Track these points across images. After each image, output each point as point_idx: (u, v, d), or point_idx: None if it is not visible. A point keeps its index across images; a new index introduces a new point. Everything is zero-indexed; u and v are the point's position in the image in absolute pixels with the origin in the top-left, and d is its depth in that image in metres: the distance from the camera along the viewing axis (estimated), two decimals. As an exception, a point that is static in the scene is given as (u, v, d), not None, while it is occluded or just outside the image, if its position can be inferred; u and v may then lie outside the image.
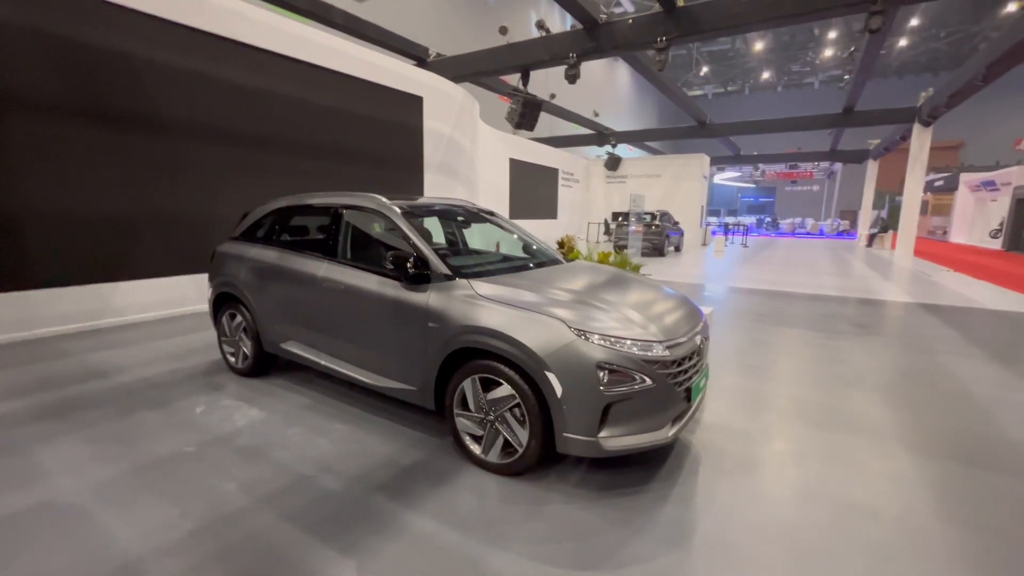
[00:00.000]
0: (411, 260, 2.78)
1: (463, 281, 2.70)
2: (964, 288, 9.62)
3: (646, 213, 15.05)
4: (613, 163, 20.44)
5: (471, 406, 2.56)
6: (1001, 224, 19.56)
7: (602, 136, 20.25)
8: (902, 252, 15.72)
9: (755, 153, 27.69)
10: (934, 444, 3.00)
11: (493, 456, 2.52)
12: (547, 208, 18.19)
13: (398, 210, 3.12)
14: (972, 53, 29.96)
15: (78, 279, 5.17)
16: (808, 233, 31.38)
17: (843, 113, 15.95)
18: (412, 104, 9.06)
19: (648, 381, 2.26)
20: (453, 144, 10.14)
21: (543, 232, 16.99)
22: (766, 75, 38.05)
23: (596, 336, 2.26)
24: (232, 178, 6.37)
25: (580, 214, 20.63)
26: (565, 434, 2.27)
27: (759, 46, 33.24)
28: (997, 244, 19.54)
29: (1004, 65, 9.54)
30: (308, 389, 3.66)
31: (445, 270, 2.77)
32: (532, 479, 2.49)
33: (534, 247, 3.82)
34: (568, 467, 2.61)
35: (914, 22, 28.88)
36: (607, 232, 20.01)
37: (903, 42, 31.31)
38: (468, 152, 10.80)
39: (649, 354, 2.28)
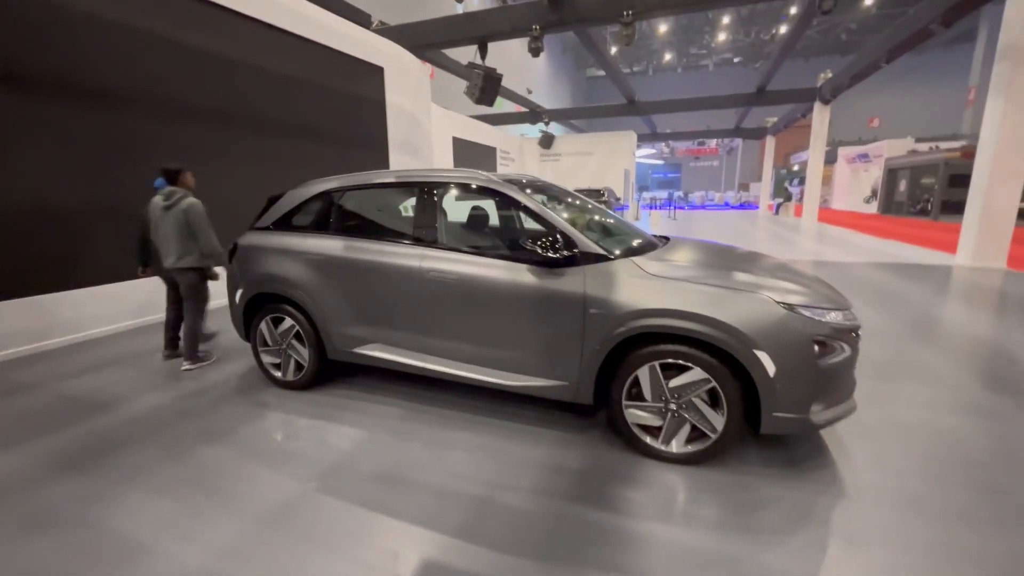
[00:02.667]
0: (554, 241, 2.48)
1: (625, 260, 2.46)
2: (884, 247, 11.01)
3: (594, 189, 15.34)
4: (547, 141, 20.52)
5: (647, 395, 2.36)
6: (874, 191, 22.71)
7: (535, 114, 20.20)
8: (808, 219, 17.67)
9: (668, 131, 29.33)
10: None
11: (675, 446, 2.36)
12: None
13: (517, 186, 2.77)
14: (855, 38, 34.06)
15: (11, 291, 4.04)
16: (716, 205, 34.15)
17: (756, 93, 17.32)
18: (373, 75, 8.24)
19: (847, 350, 2.22)
20: (414, 121, 9.45)
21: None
22: (668, 57, 40.31)
23: (804, 309, 2.17)
24: (193, 159, 5.33)
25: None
26: (776, 414, 2.17)
27: (663, 29, 35.00)
28: (871, 208, 22.69)
29: (904, 48, 10.89)
30: (382, 396, 3.20)
31: (597, 249, 2.51)
32: (712, 465, 2.37)
33: (614, 223, 3.62)
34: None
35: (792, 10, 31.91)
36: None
37: (782, 29, 34.63)
38: (426, 129, 10.14)
39: (846, 322, 2.24)
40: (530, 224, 2.91)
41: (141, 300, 4.96)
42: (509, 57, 25.13)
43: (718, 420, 2.26)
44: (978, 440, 2.59)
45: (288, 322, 3.22)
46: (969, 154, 17.86)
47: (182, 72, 5.21)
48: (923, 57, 32.34)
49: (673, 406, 2.33)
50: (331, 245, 3.09)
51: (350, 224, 3.20)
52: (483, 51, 10.09)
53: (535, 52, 9.57)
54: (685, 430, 2.34)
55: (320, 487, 2.23)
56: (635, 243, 2.87)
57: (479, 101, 10.27)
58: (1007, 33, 7.24)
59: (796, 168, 31.85)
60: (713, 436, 2.29)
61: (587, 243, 2.52)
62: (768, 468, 2.34)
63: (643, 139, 28.59)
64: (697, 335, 2.20)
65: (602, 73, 43.24)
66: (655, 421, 2.39)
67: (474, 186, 2.87)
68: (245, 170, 5.95)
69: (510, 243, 3.12)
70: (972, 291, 6.24)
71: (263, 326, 3.32)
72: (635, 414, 2.41)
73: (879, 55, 11.53)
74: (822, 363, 2.13)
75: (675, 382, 2.30)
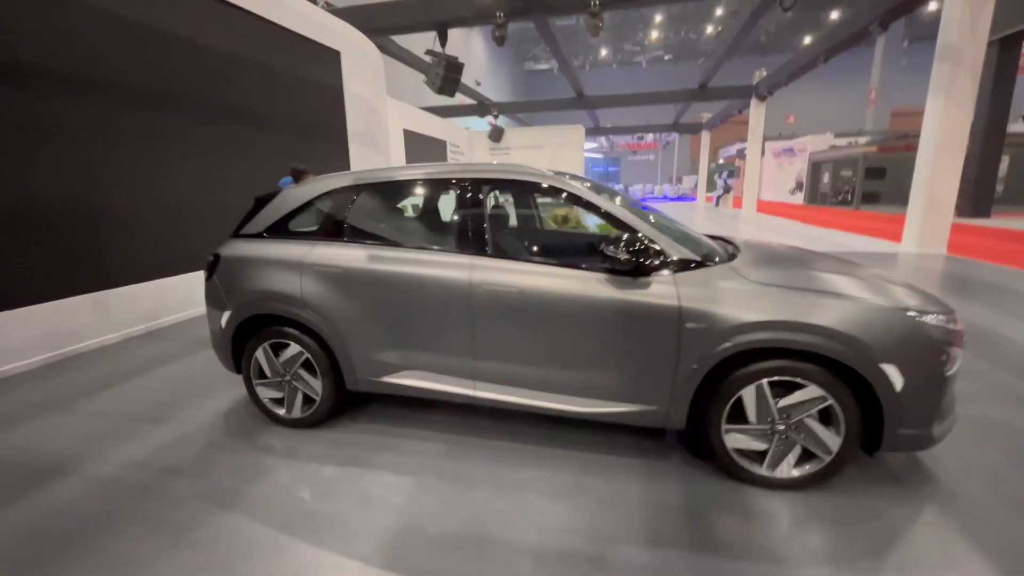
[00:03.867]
0: (638, 246, 2.16)
1: (722, 267, 2.19)
2: (829, 236, 11.70)
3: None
4: (497, 135, 20.10)
5: (751, 417, 2.11)
6: (799, 183, 24.40)
7: (483, 107, 19.73)
8: (748, 209, 18.61)
9: (609, 125, 29.88)
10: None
11: (783, 471, 2.13)
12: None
13: (581, 185, 2.41)
14: (772, 40, 36.20)
15: None
16: (656, 197, 35.38)
17: (699, 89, 17.92)
18: (330, 60, 7.46)
19: (960, 357, 2.09)
20: (373, 111, 8.73)
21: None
22: (604, 53, 41.13)
23: (931, 315, 1.99)
24: (123, 149, 4.47)
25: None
26: (901, 430, 1.98)
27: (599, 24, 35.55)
28: (797, 199, 24.38)
29: (841, 48, 11.57)
30: (415, 428, 2.74)
31: (688, 254, 2.21)
32: (819, 489, 2.17)
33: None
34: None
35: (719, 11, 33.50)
36: (498, 205, 19.81)
37: (710, 29, 36.35)
38: (384, 120, 9.43)
39: (960, 327, 2.11)
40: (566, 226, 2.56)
41: (66, 325, 4.07)
42: (449, 47, 24.47)
43: (833, 440, 2.05)
44: (1045, 434, 2.59)
45: (294, 348, 2.67)
46: (884, 149, 19.61)
47: (100, 44, 4.32)
48: (831, 60, 35.40)
49: (781, 427, 2.09)
50: (351, 255, 2.57)
51: (373, 229, 2.69)
52: (443, 38, 9.53)
53: (500, 40, 9.17)
54: (794, 453, 2.12)
55: (387, 565, 1.78)
56: (712, 246, 2.59)
57: (440, 91, 9.72)
58: (945, 35, 7.79)
59: (722, 162, 33.68)
60: (826, 458, 2.08)
61: (676, 247, 2.22)
62: (875, 486, 2.17)
63: (588, 133, 28.95)
64: (815, 349, 1.97)
65: (542, 67, 43.49)
66: (759, 445, 2.14)
67: (532, 181, 2.48)
68: (183, 161, 5.11)
69: (573, 249, 2.77)
70: (930, 275, 6.66)
71: (260, 354, 2.73)
72: (738, 439, 2.15)
73: (818, 54, 12.20)
74: (948, 373, 1.98)
75: (785, 401, 2.06)
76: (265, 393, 2.79)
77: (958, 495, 2.10)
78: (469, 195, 2.50)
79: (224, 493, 2.20)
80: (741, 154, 32.78)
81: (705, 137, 26.26)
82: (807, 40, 35.78)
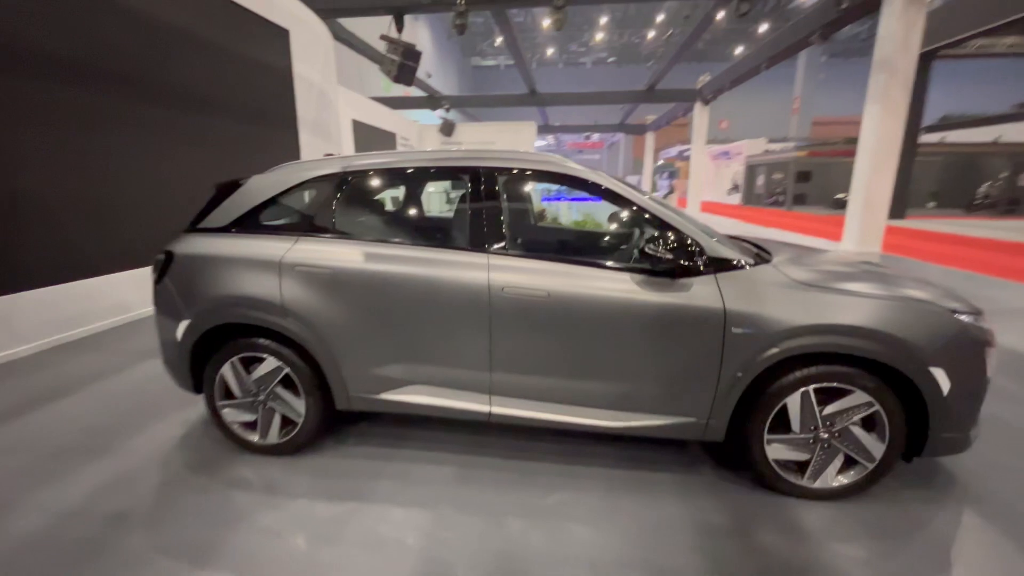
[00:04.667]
0: (680, 245, 1.98)
1: (766, 267, 2.04)
2: (774, 236, 12.31)
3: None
4: (448, 129, 19.61)
5: (794, 426, 2.00)
6: (735, 185, 25.73)
7: (434, 100, 19.16)
8: (693, 209, 19.33)
9: (558, 124, 30.09)
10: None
11: (824, 482, 2.03)
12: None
13: (612, 178, 2.20)
14: (708, 47, 37.83)
15: None
16: (583, 197, 36.01)
17: (647, 90, 18.35)
18: (277, 39, 6.79)
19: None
20: (324, 97, 8.10)
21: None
22: (550, 51, 41.43)
23: (972, 316, 1.95)
24: (33, 130, 3.75)
25: (419, 183, 19.38)
26: (944, 434, 1.93)
27: (546, 23, 35.75)
28: (734, 200, 25.70)
29: (783, 57, 12.19)
30: (414, 449, 2.42)
31: (729, 254, 2.05)
32: (860, 499, 2.09)
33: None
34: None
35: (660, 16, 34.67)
36: (450, 201, 19.37)
37: (652, 33, 37.58)
38: (335, 107, 8.79)
39: (992, 329, 2.09)
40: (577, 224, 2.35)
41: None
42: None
43: (877, 447, 1.97)
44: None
45: (270, 363, 2.26)
46: (813, 154, 21.05)
47: (17, 8, 3.60)
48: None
49: (824, 436, 1.99)
50: (342, 253, 2.21)
51: (368, 223, 2.34)
52: (399, 24, 9.04)
53: (460, 29, 8.81)
54: (837, 462, 2.02)
55: (422, 625, 1.48)
56: (745, 245, 2.44)
57: (397, 79, 9.23)
58: (881, 49, 8.33)
59: (662, 163, 34.94)
60: (869, 466, 2.00)
61: (715, 246, 2.06)
62: (909, 491, 2.13)
63: (538, 131, 29.00)
64: (864, 353, 1.88)
65: (489, 63, 43.19)
66: (800, 455, 2.03)
67: (552, 173, 2.23)
68: (109, 145, 4.42)
69: (598, 247, 2.56)
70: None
71: (226, 371, 2.30)
72: (779, 450, 2.03)
73: (761, 62, 12.78)
74: (989, 374, 1.95)
75: (830, 408, 1.96)
76: (233, 416, 2.36)
77: (985, 495, 2.09)
78: (483, 186, 2.21)
79: (194, 547, 1.80)
80: (681, 155, 34.15)
81: (650, 138, 27.06)
82: (739, 49, 37.89)
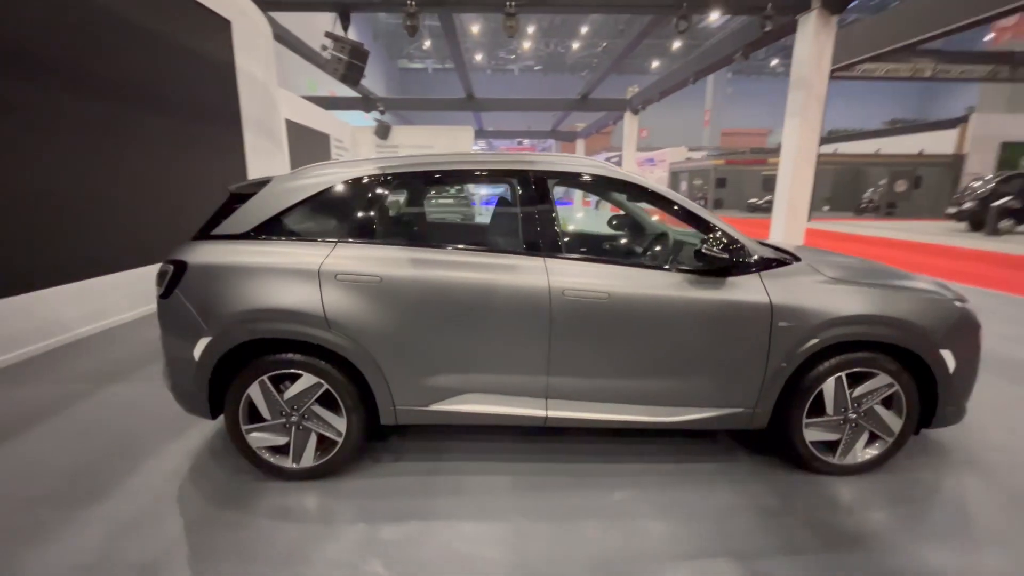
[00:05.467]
0: (730, 245, 2.10)
1: (802, 265, 2.21)
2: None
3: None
4: (384, 131, 19.10)
5: (828, 410, 2.19)
6: (660, 190, 27.38)
7: (368, 101, 18.55)
8: (626, 213, 20.31)
9: (491, 129, 30.32)
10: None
11: (853, 458, 2.24)
12: (323, 181, 15.66)
13: (649, 181, 2.27)
14: (630, 61, 39.80)
15: None
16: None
17: (581, 99, 19.04)
18: (219, 30, 6.25)
19: None
20: (267, 95, 7.56)
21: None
22: (479, 57, 41.64)
23: (967, 304, 2.24)
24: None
25: (355, 187, 18.65)
26: (948, 408, 2.21)
27: (475, 29, 35.91)
28: (659, 204, 27.34)
29: (707, 72, 13.20)
30: (456, 460, 2.34)
31: (770, 253, 2.21)
32: (876, 472, 2.32)
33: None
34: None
35: (584, 28, 36.12)
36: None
37: (576, 45, 39.04)
38: (278, 106, 8.24)
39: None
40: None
41: None
42: (319, 36, 22.57)
43: (896, 423, 2.21)
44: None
45: (307, 380, 2.09)
46: (729, 162, 22.92)
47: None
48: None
49: (853, 416, 2.20)
50: (391, 259, 2.09)
51: (411, 227, 2.23)
52: (345, 22, 8.68)
53: (411, 31, 8.63)
54: (863, 439, 2.24)
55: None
56: (775, 246, 2.61)
57: (344, 79, 8.87)
58: (797, 69, 9.29)
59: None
60: (889, 440, 2.23)
61: (757, 247, 2.20)
62: (916, 460, 2.40)
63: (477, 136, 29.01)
64: (889, 339, 2.10)
65: (416, 65, 42.54)
66: (832, 435, 2.23)
67: (596, 176, 2.27)
68: (32, 144, 3.86)
69: (644, 249, 2.62)
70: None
71: (255, 391, 2.09)
72: (815, 433, 2.21)
73: (687, 75, 13.75)
74: (980, 352, 2.25)
75: (857, 391, 2.17)
76: (261, 441, 2.15)
77: (975, 458, 2.41)
78: (534, 189, 2.20)
79: (259, 588, 1.61)
80: (608, 162, 35.73)
81: (580, 145, 28.05)
82: (656, 63, 40.42)
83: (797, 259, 2.26)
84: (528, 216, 2.19)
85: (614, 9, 9.23)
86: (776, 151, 22.97)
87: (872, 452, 2.25)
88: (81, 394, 3.05)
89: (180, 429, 2.63)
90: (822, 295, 2.11)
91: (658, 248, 2.79)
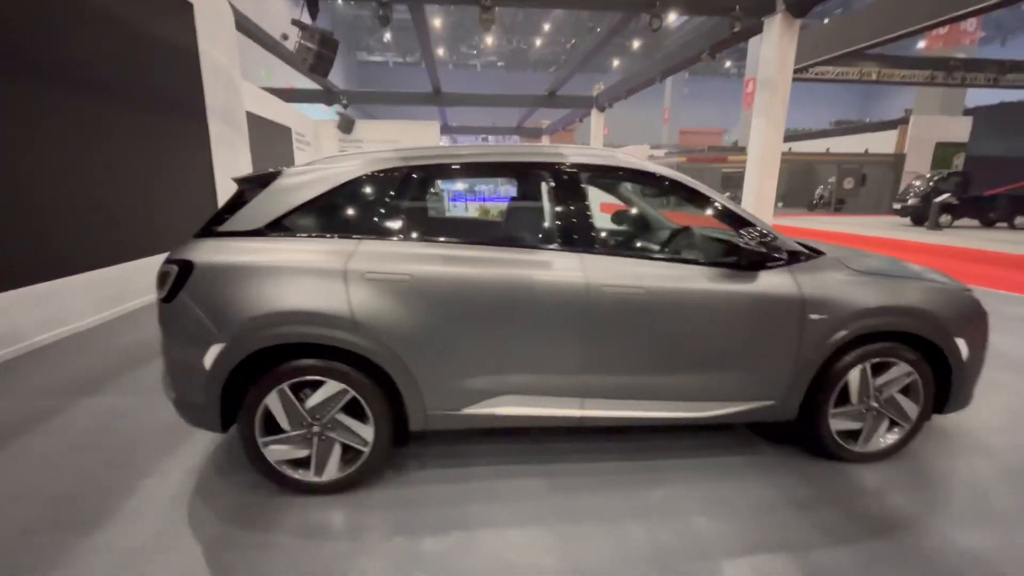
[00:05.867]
0: (763, 239, 2.11)
1: (829, 258, 2.24)
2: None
3: (419, 181, 14.48)
4: (347, 126, 18.46)
5: (852, 399, 2.24)
6: (624, 187, 27.86)
7: (330, 94, 17.94)
8: (594, 208, 20.54)
9: (455, 124, 29.96)
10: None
11: (874, 445, 2.30)
12: (285, 176, 15.02)
13: (688, 178, 2.24)
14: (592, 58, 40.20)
15: None
16: (502, 197, 36.65)
17: (549, 95, 19.09)
18: (181, 12, 5.83)
19: None
20: (231, 83, 7.13)
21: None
22: (441, 52, 41.03)
23: (974, 294, 2.34)
24: None
25: (318, 183, 18.01)
26: (960, 394, 2.30)
27: (437, 22, 35.33)
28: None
29: (674, 71, 13.50)
30: (484, 464, 2.26)
31: (798, 247, 2.22)
32: (893, 460, 2.40)
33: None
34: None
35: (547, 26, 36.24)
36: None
37: (539, 42, 39.13)
38: (241, 97, 7.79)
39: None
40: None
41: None
42: (275, 23, 21.53)
43: (913, 410, 2.28)
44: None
45: (332, 387, 1.94)
46: (691, 160, 23.55)
47: None
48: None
49: (875, 405, 2.26)
50: (421, 256, 1.97)
51: (439, 222, 2.12)
52: (313, 9, 8.31)
53: (384, 21, 8.36)
54: (884, 426, 2.31)
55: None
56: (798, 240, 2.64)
57: (313, 69, 8.51)
58: (764, 70, 9.62)
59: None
60: (907, 426, 2.31)
61: (787, 242, 2.22)
62: (927, 445, 2.49)
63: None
64: (910, 329, 2.17)
65: (376, 59, 41.51)
66: (854, 424, 2.28)
67: (629, 170, 2.23)
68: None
69: (670, 243, 2.59)
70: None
71: (272, 401, 1.93)
72: (840, 423, 2.26)
73: (655, 74, 14.01)
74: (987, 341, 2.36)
75: (879, 380, 2.23)
76: (280, 454, 1.99)
77: (980, 441, 2.54)
78: (567, 183, 2.13)
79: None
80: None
81: (545, 141, 28.18)
82: (616, 62, 41.05)
83: (821, 253, 2.30)
84: (560, 211, 2.12)
85: (590, 5, 9.24)
86: (732, 149, 23.85)
87: (892, 438, 2.32)
88: (52, 410, 2.76)
89: (173, 444, 2.42)
90: (850, 288, 2.15)
91: (684, 243, 2.78)
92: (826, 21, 15.81)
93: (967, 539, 1.81)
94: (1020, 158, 16.83)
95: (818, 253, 2.31)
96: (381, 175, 2.07)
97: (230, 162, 6.98)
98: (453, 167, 2.18)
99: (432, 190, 2.43)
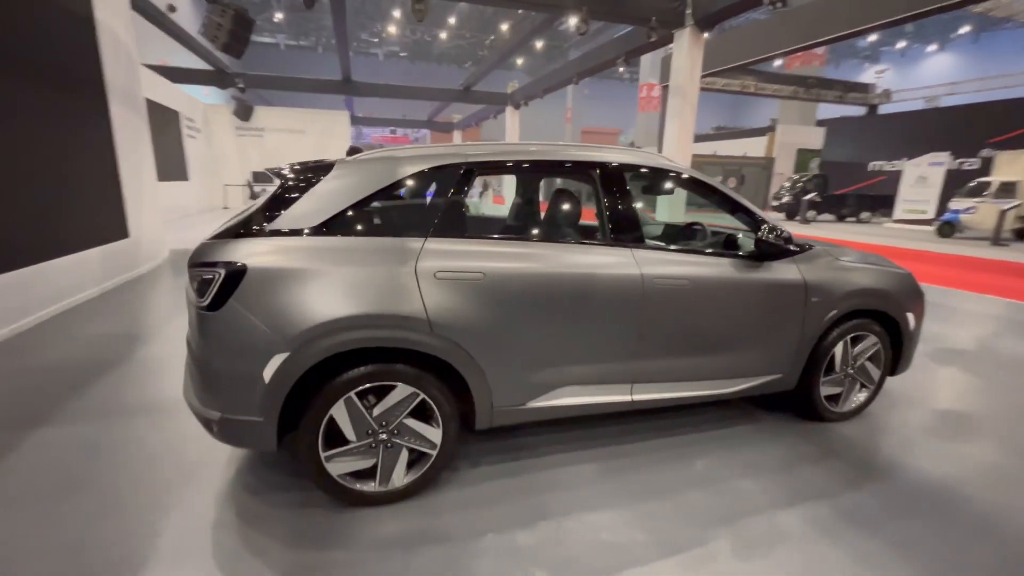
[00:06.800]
0: (779, 234, 2.41)
1: (819, 249, 2.60)
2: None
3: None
4: (245, 112, 16.82)
5: (837, 368, 2.64)
6: (535, 183, 28.66)
7: (223, 75, 16.20)
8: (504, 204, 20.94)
9: (361, 115, 28.63)
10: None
11: (849, 406, 2.74)
12: (174, 166, 13.42)
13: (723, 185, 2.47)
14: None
15: None
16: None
17: (465, 90, 19.03)
18: (73, -29, 4.93)
19: None
20: (131, 59, 6.19)
21: (178, 200, 12.63)
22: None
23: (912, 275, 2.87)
24: None
25: (213, 175, 16.21)
26: (907, 358, 2.82)
27: (397, 14, 33.25)
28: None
29: (590, 73, 14.21)
30: (525, 459, 2.31)
31: (800, 241, 2.56)
32: (860, 418, 2.87)
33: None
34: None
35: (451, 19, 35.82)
36: (252, 196, 16.78)
37: (444, 35, 38.55)
38: (139, 75, 6.79)
39: None
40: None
41: None
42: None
43: (876, 374, 2.76)
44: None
45: (402, 391, 1.87)
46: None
47: None
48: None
49: (851, 372, 2.69)
50: (490, 253, 1.96)
51: (498, 219, 2.10)
52: (220, -21, 7.48)
53: (309, 3, 7.78)
54: (856, 388, 2.75)
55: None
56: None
57: (226, 49, 7.71)
58: (675, 78, 10.52)
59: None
60: (872, 387, 2.78)
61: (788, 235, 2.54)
62: (882, 400, 3.00)
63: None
64: (879, 308, 2.62)
65: (266, 39, 38.04)
66: (837, 389, 2.70)
67: (665, 168, 2.40)
68: None
69: (694, 238, 2.79)
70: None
71: (338, 411, 1.81)
72: (827, 388, 2.66)
73: (572, 75, 14.63)
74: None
75: (855, 351, 2.66)
76: (344, 467, 1.87)
77: (906, 398, 3.12)
78: (609, 181, 2.24)
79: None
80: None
81: (457, 136, 28.01)
82: (520, 61, 41.83)
83: (811, 247, 2.67)
84: (613, 208, 2.23)
85: (522, 5, 9.41)
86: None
87: (861, 398, 2.78)
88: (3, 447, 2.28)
89: (179, 472, 2.15)
90: (838, 274, 2.54)
91: (708, 237, 3.02)
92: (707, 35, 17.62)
93: (933, 468, 2.26)
94: (860, 163, 20.24)
95: (810, 247, 2.68)
96: (441, 171, 2.02)
97: (136, 152, 6.09)
98: (511, 164, 2.19)
99: (488, 187, 2.44)
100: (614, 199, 2.24)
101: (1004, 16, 21.22)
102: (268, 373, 1.71)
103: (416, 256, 1.87)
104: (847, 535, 1.84)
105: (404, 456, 1.96)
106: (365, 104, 29.27)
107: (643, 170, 2.40)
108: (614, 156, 2.31)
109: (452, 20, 35.86)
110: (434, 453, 1.98)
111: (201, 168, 15.03)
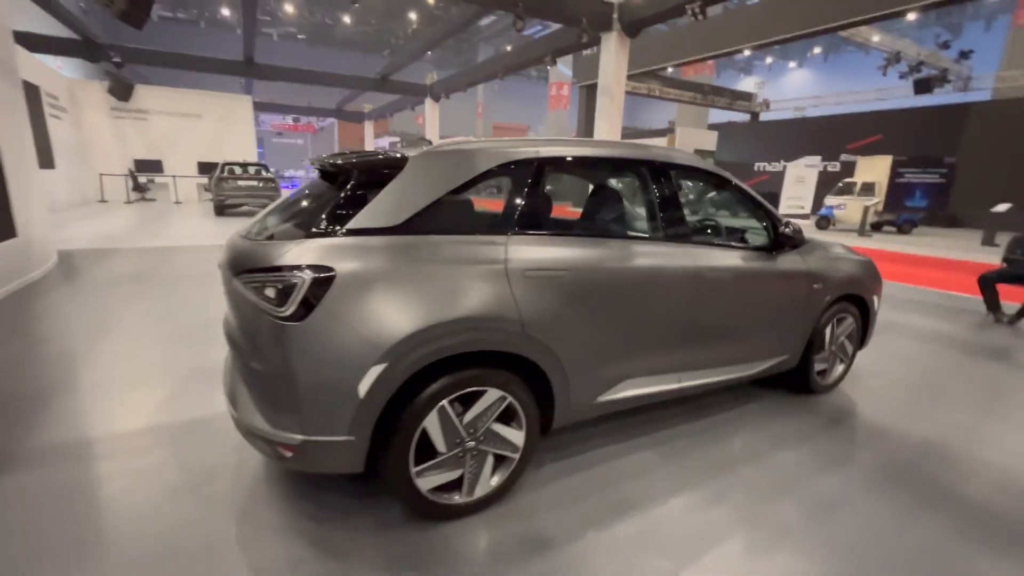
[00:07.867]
0: (786, 227, 2.66)
1: (814, 242, 2.91)
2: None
3: (245, 164, 12.41)
4: (124, 91, 14.65)
5: (826, 346, 2.99)
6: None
7: (93, 46, 13.92)
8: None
9: (260, 100, 26.21)
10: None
11: (832, 378, 3.12)
12: (37, 151, 11.29)
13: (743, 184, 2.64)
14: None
15: None
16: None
17: (381, 79, 18.25)
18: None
19: None
20: (5, 32, 5.12)
21: (45, 191, 10.77)
22: (226, 12, 35.02)
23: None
24: None
25: (84, 163, 13.89)
26: (870, 335, 3.27)
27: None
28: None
29: (515, 70, 14.35)
30: (585, 454, 2.33)
31: (802, 235, 2.84)
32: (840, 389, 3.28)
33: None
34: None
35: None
36: (137, 188, 14.73)
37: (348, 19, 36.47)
38: (11, 39, 5.61)
39: None
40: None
41: None
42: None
43: (851, 349, 3.17)
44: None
45: (491, 396, 1.79)
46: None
47: None
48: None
49: (835, 349, 3.07)
50: (573, 252, 1.94)
51: (581, 218, 2.08)
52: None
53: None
54: (837, 363, 3.14)
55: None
56: None
57: (125, 17, 6.65)
58: (603, 79, 11.01)
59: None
60: (848, 361, 3.19)
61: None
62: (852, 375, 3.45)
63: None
64: (857, 292, 3.01)
65: (164, 14, 33.21)
66: (823, 365, 3.06)
67: (701, 168, 2.54)
68: None
69: (712, 232, 2.93)
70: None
71: (431, 422, 1.69)
72: (818, 364, 3.00)
73: (497, 70, 14.67)
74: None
75: (838, 330, 3.04)
76: (431, 481, 1.75)
77: (875, 368, 3.62)
78: (663, 180, 2.32)
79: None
80: (392, 146, 34.93)
81: (369, 127, 26.78)
82: (429, 53, 40.92)
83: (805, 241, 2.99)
84: (664, 205, 2.31)
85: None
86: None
87: (840, 371, 3.17)
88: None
89: (204, 509, 1.87)
90: (830, 263, 2.88)
91: (723, 233, 3.20)
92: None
93: (912, 426, 2.67)
94: (748, 163, 22.79)
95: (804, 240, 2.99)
96: (517, 166, 1.94)
97: (15, 134, 5.06)
98: (582, 160, 2.17)
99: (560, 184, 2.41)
100: (674, 198, 2.33)
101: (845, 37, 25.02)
102: (364, 387, 1.55)
103: (504, 254, 1.80)
104: (888, 489, 2.12)
105: (489, 463, 1.88)
106: (265, 88, 26.82)
107: (699, 173, 2.53)
108: (681, 159, 2.44)
109: (356, 4, 34.12)
110: (517, 456, 1.93)
111: (70, 155, 12.82)
